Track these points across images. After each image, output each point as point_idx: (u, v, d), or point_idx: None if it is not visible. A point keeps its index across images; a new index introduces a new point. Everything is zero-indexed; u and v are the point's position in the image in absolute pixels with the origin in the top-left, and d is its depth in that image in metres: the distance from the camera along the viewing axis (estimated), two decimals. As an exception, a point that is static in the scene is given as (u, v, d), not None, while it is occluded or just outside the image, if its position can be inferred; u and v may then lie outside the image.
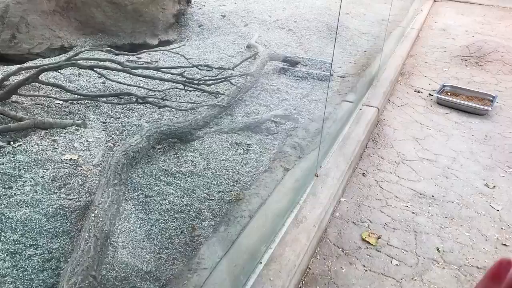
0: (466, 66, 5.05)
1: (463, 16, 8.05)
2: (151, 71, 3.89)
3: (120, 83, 3.73)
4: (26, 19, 4.69)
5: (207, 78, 3.84)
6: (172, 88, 3.80)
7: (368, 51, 4.50)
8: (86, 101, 3.64)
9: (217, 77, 3.88)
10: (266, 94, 4.26)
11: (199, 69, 4.06)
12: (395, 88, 4.27)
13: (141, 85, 4.00)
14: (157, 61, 4.78)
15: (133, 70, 3.53)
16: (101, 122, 3.53)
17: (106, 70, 3.64)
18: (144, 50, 4.42)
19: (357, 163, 2.89)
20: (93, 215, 2.09)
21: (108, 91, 3.86)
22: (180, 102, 3.60)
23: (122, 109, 3.67)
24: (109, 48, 4.07)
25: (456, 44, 5.70)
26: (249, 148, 3.37)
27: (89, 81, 3.97)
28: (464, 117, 3.81)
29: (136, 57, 4.72)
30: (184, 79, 3.89)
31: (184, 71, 4.03)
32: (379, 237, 2.56)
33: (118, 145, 3.08)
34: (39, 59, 4.50)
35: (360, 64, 4.69)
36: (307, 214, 2.35)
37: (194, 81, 3.72)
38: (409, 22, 6.58)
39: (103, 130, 3.34)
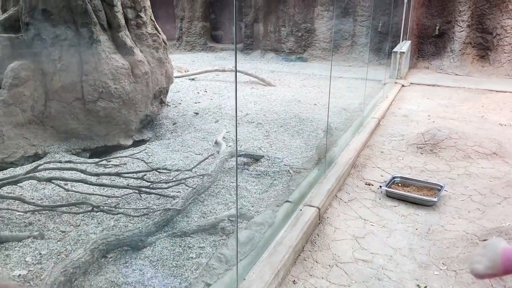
0: (422, 154, 5.29)
1: (428, 100, 8.48)
2: (112, 177, 4.10)
3: (80, 193, 3.91)
4: (2, 131, 4.99)
5: (162, 181, 4.04)
6: (129, 194, 3.98)
7: (324, 144, 4.75)
8: (47, 211, 3.80)
9: (172, 180, 4.08)
10: (226, 192, 4.43)
11: (158, 172, 4.28)
12: (345, 183, 4.46)
13: (104, 190, 4.18)
14: (125, 164, 5.01)
15: (90, 180, 3.73)
16: (60, 231, 3.67)
17: (65, 180, 3.84)
18: (103, 158, 4.67)
19: (288, 270, 2.98)
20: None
21: (71, 199, 4.04)
22: (134, 208, 3.77)
23: (82, 216, 3.82)
24: (68, 160, 4.31)
25: (414, 132, 5.99)
26: (201, 252, 3.48)
27: (54, 189, 4.16)
28: (412, 209, 3.96)
29: (106, 160, 4.97)
30: (148, 183, 4.11)
31: (145, 174, 4.24)
32: None
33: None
34: (11, 168, 4.72)
35: (315, 159, 4.92)
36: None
37: (150, 186, 3.91)
38: (370, 110, 6.94)
39: (59, 241, 3.46)
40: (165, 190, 4.10)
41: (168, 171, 4.31)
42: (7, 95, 5.05)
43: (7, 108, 5.03)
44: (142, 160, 4.50)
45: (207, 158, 4.63)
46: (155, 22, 6.79)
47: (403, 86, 9.75)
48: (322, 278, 2.88)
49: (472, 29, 11.54)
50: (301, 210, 3.56)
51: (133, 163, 5.00)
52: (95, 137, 5.72)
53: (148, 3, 6.57)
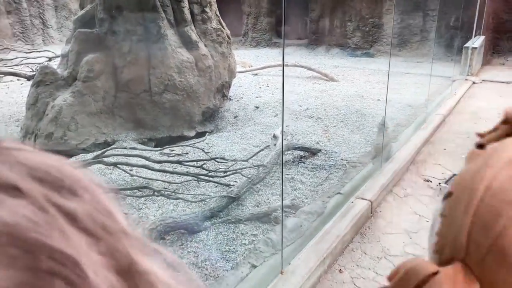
0: (488, 152, 5.05)
1: (500, 97, 8.01)
2: (173, 164, 4.31)
3: (144, 178, 4.16)
4: (76, 119, 5.40)
5: (220, 170, 4.19)
6: (189, 181, 4.16)
7: (382, 139, 4.68)
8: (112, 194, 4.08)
9: (229, 170, 4.21)
10: (280, 183, 4.50)
11: (216, 161, 4.43)
12: (402, 178, 4.36)
13: (166, 176, 4.41)
14: (187, 153, 5.24)
15: (153, 165, 3.95)
16: (123, 213, 3.93)
17: (130, 165, 4.10)
18: (166, 146, 4.89)
19: (335, 258, 2.99)
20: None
21: (135, 183, 4.30)
22: (193, 194, 3.94)
23: (145, 200, 4.06)
24: (133, 146, 4.58)
25: (481, 129, 5.72)
26: (254, 239, 3.58)
27: (120, 174, 4.45)
28: (471, 208, 3.82)
29: (169, 149, 5.22)
30: (207, 171, 4.29)
31: (204, 163, 4.41)
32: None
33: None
34: (82, 154, 5.09)
35: (371, 154, 4.85)
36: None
37: (208, 174, 4.07)
38: (436, 107, 6.70)
39: (122, 221, 3.71)
40: (222, 178, 4.25)
41: (225, 161, 4.45)
42: (82, 86, 5.45)
43: (81, 98, 5.42)
44: (202, 150, 4.68)
45: (262, 149, 4.73)
46: (220, 17, 6.98)
47: (474, 83, 9.28)
48: (369, 269, 2.87)
49: (555, 23, 10.74)
50: (352, 202, 3.56)
51: (194, 152, 5.21)
52: (160, 127, 6.01)
53: (213, -1, 6.78)
